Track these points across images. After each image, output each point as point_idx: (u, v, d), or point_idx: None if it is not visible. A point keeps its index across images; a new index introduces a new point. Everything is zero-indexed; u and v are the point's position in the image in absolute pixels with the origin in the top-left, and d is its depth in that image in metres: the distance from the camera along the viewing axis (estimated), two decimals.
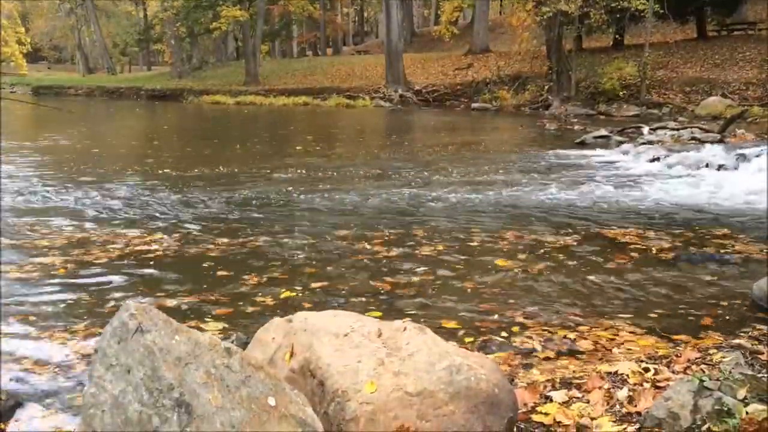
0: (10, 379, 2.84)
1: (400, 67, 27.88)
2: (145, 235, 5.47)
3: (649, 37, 21.39)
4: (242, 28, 33.93)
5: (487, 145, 13.06)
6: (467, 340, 3.25)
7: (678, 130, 13.01)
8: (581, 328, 3.41)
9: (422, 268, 4.50)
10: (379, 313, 3.49)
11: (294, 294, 4.00)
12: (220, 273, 4.43)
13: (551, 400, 2.43)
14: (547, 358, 3.00)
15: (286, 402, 1.84)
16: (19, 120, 21.35)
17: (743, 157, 8.59)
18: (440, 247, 5.06)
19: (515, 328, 3.41)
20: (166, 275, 4.41)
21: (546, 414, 2.33)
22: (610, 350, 3.06)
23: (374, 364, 2.06)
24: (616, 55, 23.70)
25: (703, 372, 2.32)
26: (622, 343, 3.16)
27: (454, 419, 1.98)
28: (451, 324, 3.49)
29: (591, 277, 4.29)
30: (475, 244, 5.19)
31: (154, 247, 5.08)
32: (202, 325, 3.37)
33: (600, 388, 2.49)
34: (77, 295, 3.98)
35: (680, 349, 3.00)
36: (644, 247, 5.04)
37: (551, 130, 16.13)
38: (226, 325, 3.47)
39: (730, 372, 2.22)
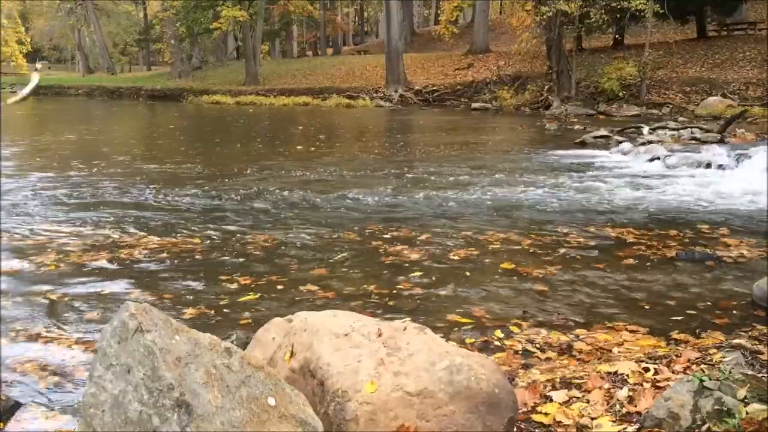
0: (10, 380, 2.84)
1: (400, 67, 27.87)
2: (149, 235, 5.48)
3: (649, 37, 21.38)
4: (242, 28, 33.93)
5: (487, 145, 13.06)
6: (467, 340, 3.25)
7: (678, 130, 13.01)
8: (581, 327, 3.41)
9: (423, 268, 4.50)
10: (380, 312, 3.50)
11: (291, 293, 4.00)
12: (219, 273, 4.43)
13: (551, 400, 2.43)
14: (547, 358, 3.00)
15: (286, 402, 1.84)
16: (21, 120, 21.35)
17: (743, 157, 8.59)
18: (441, 247, 5.06)
19: (515, 328, 3.41)
20: (163, 275, 4.41)
21: (546, 414, 2.33)
22: (610, 350, 3.06)
23: (374, 364, 2.06)
24: (616, 55, 23.70)
25: (703, 372, 2.31)
26: (622, 343, 3.16)
27: (454, 419, 1.98)
28: (452, 323, 3.49)
29: (590, 277, 4.29)
30: (476, 244, 5.19)
31: (154, 246, 5.08)
32: (200, 325, 3.37)
33: (600, 387, 2.49)
34: (74, 295, 3.98)
35: (680, 349, 3.00)
36: (644, 246, 5.04)
37: (551, 130, 16.12)
38: (226, 325, 3.47)
39: (730, 372, 2.22)
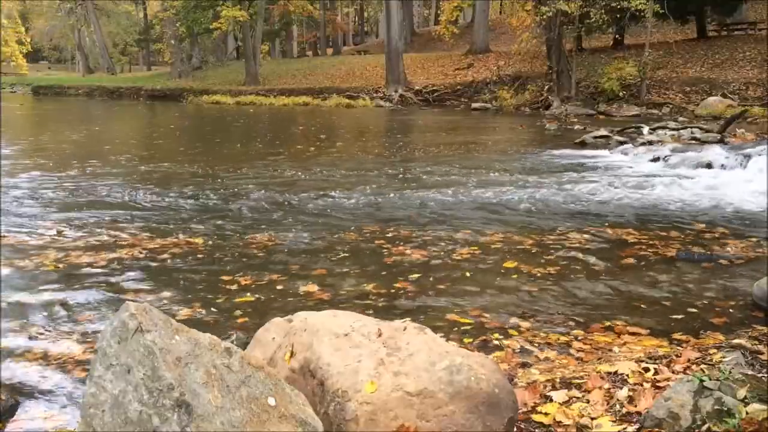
0: (10, 380, 2.84)
1: (400, 67, 27.88)
2: (149, 235, 5.48)
3: (649, 37, 21.39)
4: (242, 28, 33.94)
5: (487, 145, 13.06)
6: (467, 339, 3.25)
7: (678, 130, 13.01)
8: (581, 327, 3.41)
9: (423, 268, 4.50)
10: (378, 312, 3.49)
11: (291, 293, 4.00)
12: (219, 272, 4.43)
13: (551, 400, 2.43)
14: (547, 358, 3.00)
15: (286, 402, 1.84)
16: (21, 120, 21.35)
17: (743, 157, 8.59)
18: (441, 247, 5.06)
19: (515, 328, 3.41)
20: (163, 275, 4.42)
21: (546, 414, 2.33)
22: (610, 350, 3.06)
23: (374, 364, 2.06)
24: (616, 55, 23.71)
25: (703, 372, 2.31)
26: (623, 343, 3.16)
27: (454, 419, 1.98)
28: (452, 323, 3.49)
29: (590, 277, 4.29)
30: (476, 243, 5.19)
31: (154, 246, 5.08)
32: (200, 325, 3.37)
33: (600, 387, 2.49)
34: (73, 295, 3.98)
35: (680, 349, 3.00)
36: (644, 246, 5.04)
37: (551, 130, 16.13)
38: (226, 325, 3.47)
39: (730, 372, 2.22)
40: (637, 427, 2.17)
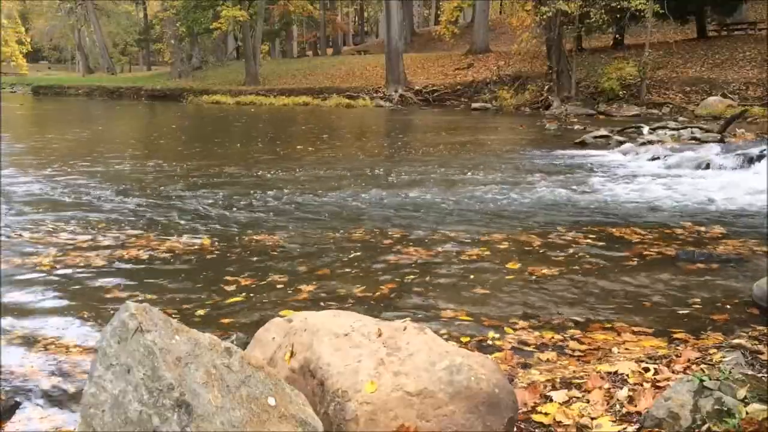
0: (10, 380, 2.84)
1: (400, 67, 27.89)
2: (151, 235, 5.48)
3: (649, 37, 21.40)
4: (242, 28, 33.95)
5: (487, 145, 13.06)
6: (467, 339, 3.25)
7: (678, 129, 13.02)
8: (581, 327, 3.41)
9: (423, 268, 4.50)
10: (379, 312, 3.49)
11: (291, 293, 4.00)
12: (219, 272, 4.43)
13: (551, 400, 2.43)
14: (547, 359, 3.00)
15: (286, 402, 1.84)
16: (21, 119, 21.35)
17: (743, 157, 8.60)
18: (442, 247, 5.06)
19: (515, 328, 3.41)
20: (163, 275, 4.42)
21: (546, 414, 2.33)
22: (610, 350, 3.06)
23: (374, 363, 2.06)
24: (616, 55, 23.73)
25: (703, 372, 2.31)
26: (622, 343, 3.16)
27: (454, 419, 1.98)
28: (452, 323, 3.48)
29: (591, 277, 4.29)
30: (477, 244, 5.19)
31: (154, 245, 5.08)
32: (201, 325, 3.37)
33: (600, 387, 2.49)
34: (72, 295, 3.98)
35: (680, 349, 3.00)
36: (644, 246, 5.04)
37: (551, 130, 16.13)
38: (226, 325, 3.47)
39: (730, 372, 2.22)
40: (637, 427, 2.17)
